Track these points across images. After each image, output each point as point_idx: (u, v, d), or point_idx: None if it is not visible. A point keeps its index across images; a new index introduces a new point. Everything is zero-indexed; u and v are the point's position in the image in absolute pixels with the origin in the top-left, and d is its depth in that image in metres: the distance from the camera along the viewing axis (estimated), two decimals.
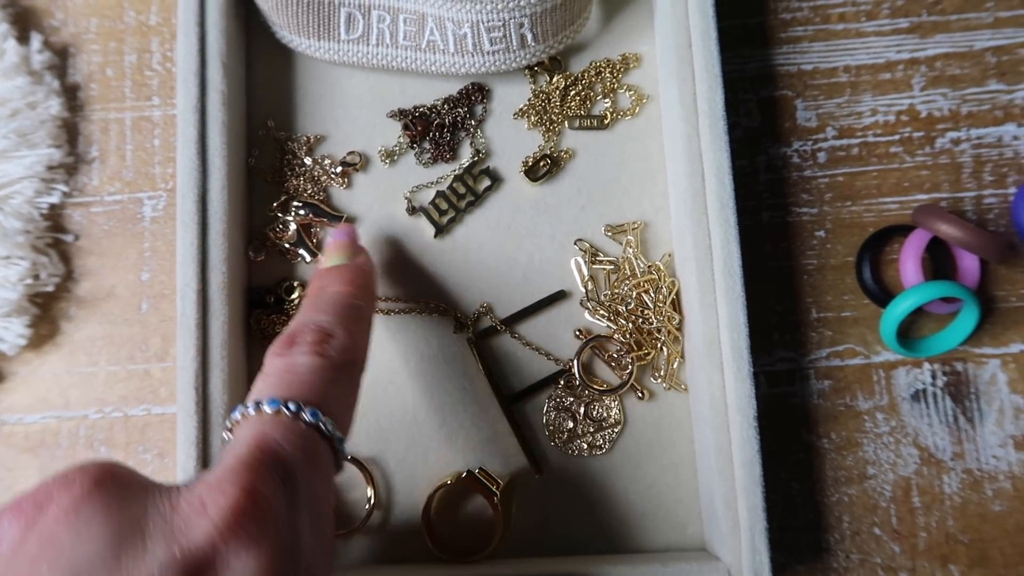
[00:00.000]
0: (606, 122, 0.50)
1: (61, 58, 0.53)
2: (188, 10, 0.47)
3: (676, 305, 0.47)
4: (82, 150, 0.52)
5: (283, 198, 0.50)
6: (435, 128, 0.50)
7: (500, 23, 0.45)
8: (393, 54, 0.49)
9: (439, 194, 0.50)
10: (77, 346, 0.50)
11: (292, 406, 0.32)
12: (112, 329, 0.50)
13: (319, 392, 0.34)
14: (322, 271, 0.42)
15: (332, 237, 0.44)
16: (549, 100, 0.50)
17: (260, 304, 0.48)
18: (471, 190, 0.50)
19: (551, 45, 0.48)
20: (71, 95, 0.53)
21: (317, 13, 0.48)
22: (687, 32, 0.46)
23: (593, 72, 0.50)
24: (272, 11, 0.48)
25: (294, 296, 0.48)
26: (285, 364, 0.35)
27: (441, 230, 0.49)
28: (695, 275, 0.44)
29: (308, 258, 0.49)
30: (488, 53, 0.47)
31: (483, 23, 0.45)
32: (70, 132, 0.52)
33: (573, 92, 0.50)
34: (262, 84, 0.51)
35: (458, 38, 0.47)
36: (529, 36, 0.47)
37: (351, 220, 0.50)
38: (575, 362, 0.47)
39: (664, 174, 0.49)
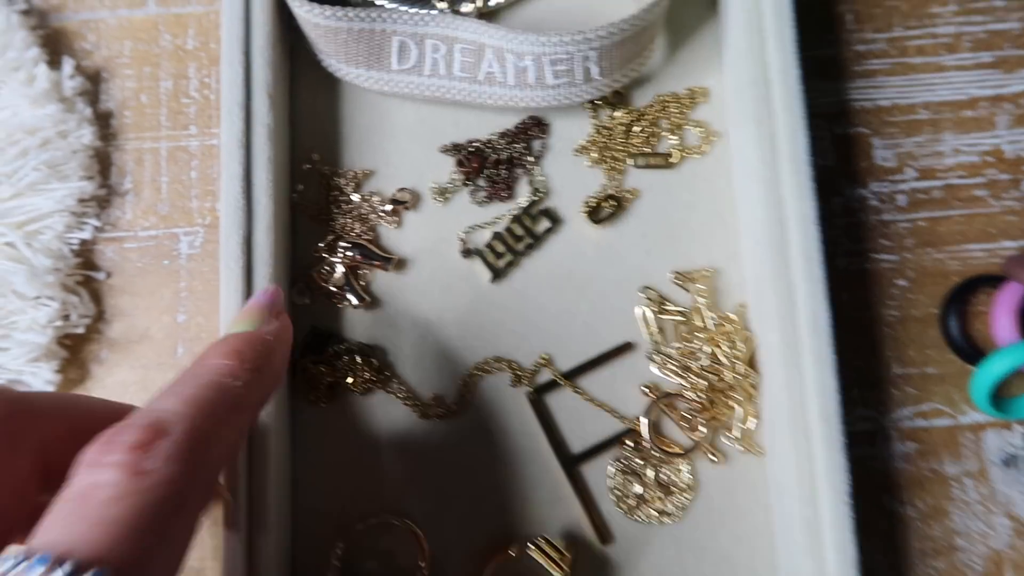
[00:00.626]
0: (672, 160, 0.47)
1: (93, 84, 0.50)
2: (232, 38, 0.44)
3: (752, 362, 0.44)
4: (115, 182, 0.49)
5: (329, 238, 0.47)
6: (491, 164, 0.47)
7: (566, 56, 0.42)
8: (447, 85, 0.46)
9: (495, 236, 0.47)
10: (108, 391, 0.47)
11: (67, 568, 0.22)
12: (145, 374, 0.47)
13: (116, 539, 0.23)
14: (216, 342, 0.34)
15: (253, 297, 0.39)
16: (612, 136, 0.47)
17: (308, 350, 0.45)
18: (529, 232, 0.47)
19: (616, 79, 0.45)
20: (104, 123, 0.50)
21: (368, 42, 0.45)
22: (762, 67, 0.43)
23: (658, 107, 0.47)
24: (320, 39, 0.45)
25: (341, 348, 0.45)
26: (83, 486, 0.25)
27: (498, 274, 0.46)
28: (777, 331, 0.40)
29: (355, 302, 0.46)
30: (550, 87, 0.44)
31: (547, 56, 0.43)
32: (102, 163, 0.49)
33: (637, 128, 0.47)
34: (307, 115, 0.48)
35: (519, 70, 0.44)
36: (595, 69, 0.44)
37: (402, 263, 0.47)
38: (643, 421, 0.44)
39: (735, 217, 0.46)
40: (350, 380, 0.45)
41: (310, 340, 0.46)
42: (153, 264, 0.48)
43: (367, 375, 0.45)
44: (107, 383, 0.47)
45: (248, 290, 0.42)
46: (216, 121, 0.50)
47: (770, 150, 0.42)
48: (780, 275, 0.41)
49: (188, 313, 0.47)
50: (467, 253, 0.47)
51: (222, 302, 0.42)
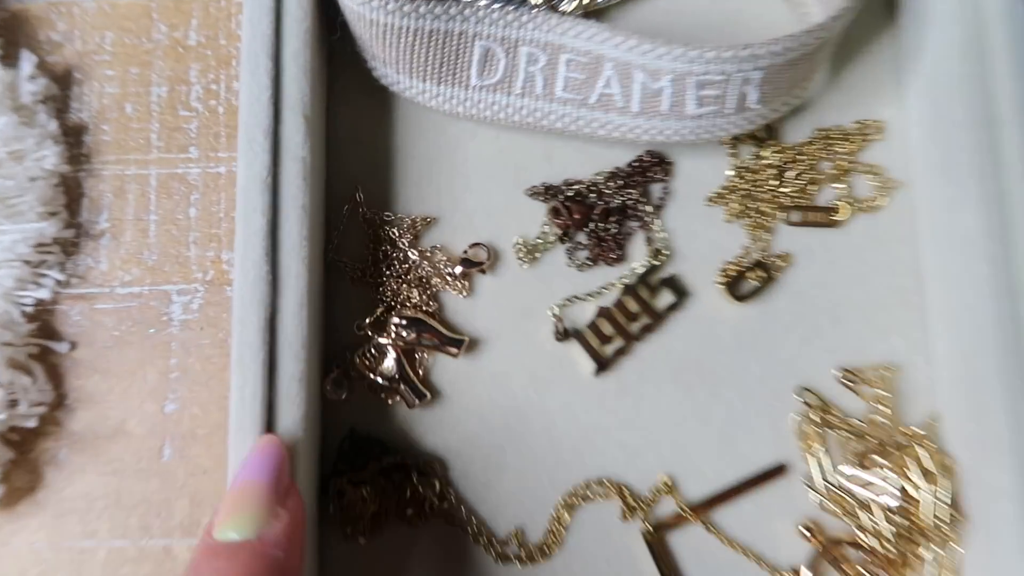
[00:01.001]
0: (838, 217, 0.36)
1: (62, 87, 0.38)
2: (257, 37, 0.31)
3: (957, 500, 0.33)
4: (86, 220, 0.37)
5: (378, 311, 0.35)
6: (596, 215, 0.36)
7: (720, 77, 0.31)
8: (545, 109, 0.34)
9: (601, 312, 0.35)
10: (68, 507, 0.34)
11: None
12: (120, 483, 0.35)
13: None
14: (205, 553, 0.26)
15: (239, 473, 0.28)
16: (758, 181, 0.36)
17: (344, 462, 0.34)
18: (647, 308, 0.35)
19: (776, 108, 0.34)
20: (74, 141, 0.37)
21: (441, 47, 0.33)
22: (985, 100, 0.31)
23: (819, 145, 0.36)
24: (375, 41, 0.33)
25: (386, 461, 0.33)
26: None
27: (604, 365, 0.35)
28: (1007, 470, 0.30)
29: (411, 399, 0.34)
30: (690, 117, 0.33)
31: (694, 76, 0.31)
32: (70, 194, 0.37)
33: (792, 172, 0.36)
34: (348, 141, 0.36)
35: (649, 94, 0.32)
36: (753, 96, 0.32)
37: (474, 345, 0.35)
38: (804, 575, 0.33)
39: (922, 296, 0.35)
40: (402, 508, 0.33)
41: (347, 449, 0.34)
42: (134, 333, 0.36)
43: (423, 500, 0.34)
44: (66, 494, 0.35)
45: (270, 391, 0.30)
46: (225, 142, 0.37)
47: (998, 217, 0.31)
48: (1015, 390, 0.30)
49: (180, 401, 0.35)
50: (563, 335, 0.35)
51: (233, 399, 0.30)
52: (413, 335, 0.34)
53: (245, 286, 0.30)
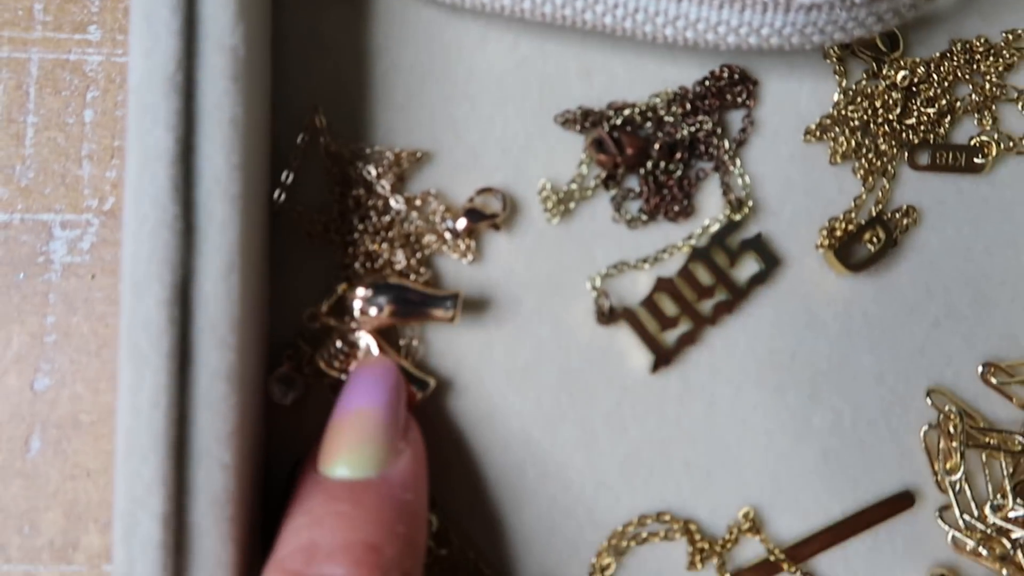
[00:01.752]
0: (981, 160, 0.27)
1: None
2: None
3: None
4: None
5: (339, 288, 0.25)
6: (658, 153, 0.27)
7: None
8: None
9: (662, 286, 0.26)
10: None
11: None
12: None
13: None
14: (317, 493, 0.21)
15: (345, 401, 0.22)
16: (874, 110, 0.27)
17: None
18: (723, 279, 0.26)
19: (918, 1, 0.25)
20: None
21: None
22: None
23: (956, 61, 0.27)
24: None
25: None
26: None
27: (664, 357, 0.26)
28: None
29: (418, 394, 0.24)
30: (800, 8, 0.23)
31: None
32: None
33: (921, 98, 0.27)
34: (305, 42, 0.26)
35: None
36: None
37: (480, 319, 0.25)
38: None
39: None
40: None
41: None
42: None
43: None
44: None
45: (180, 397, 0.20)
46: None
47: None
48: None
49: (57, 375, 0.25)
50: (608, 316, 0.26)
51: (121, 405, 0.19)
52: (387, 308, 0.24)
53: (141, 236, 0.19)
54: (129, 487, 0.19)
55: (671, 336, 0.25)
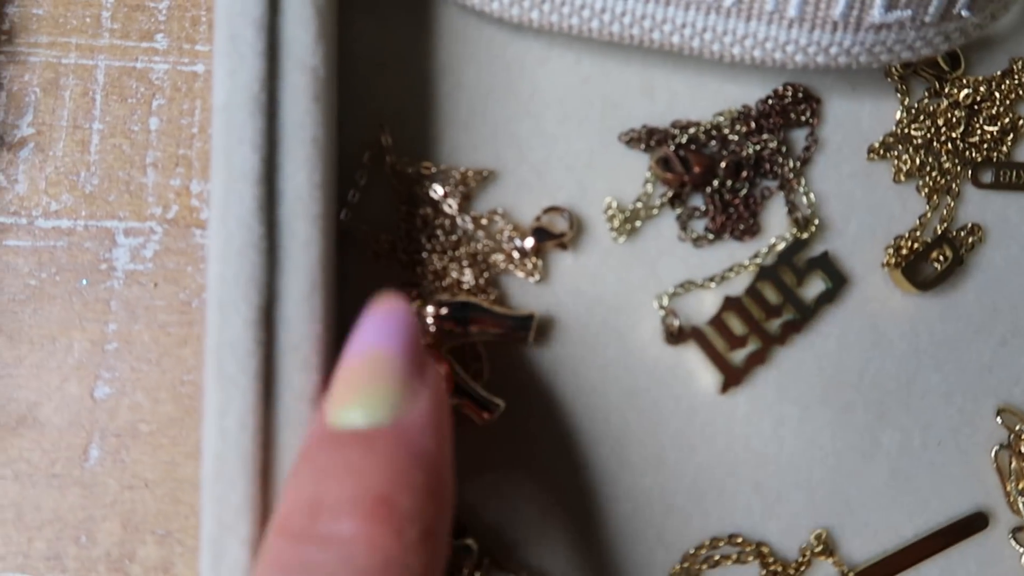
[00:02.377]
0: None
1: None
2: None
3: None
4: (2, 122, 0.26)
5: (413, 294, 0.25)
6: (724, 171, 0.27)
7: None
8: (657, 15, 0.24)
9: (730, 305, 0.25)
10: None
11: None
12: (23, 493, 0.24)
13: None
14: (322, 444, 0.18)
15: (356, 341, 0.20)
16: (938, 128, 0.27)
17: None
18: (791, 298, 0.26)
19: (983, 20, 0.25)
20: None
21: None
22: None
23: (1017, 81, 0.27)
24: None
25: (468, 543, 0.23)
26: None
27: (734, 378, 0.25)
28: None
29: (484, 416, 0.24)
30: (871, 28, 0.23)
31: None
32: None
33: (984, 116, 0.27)
34: (370, 62, 0.25)
35: None
36: None
37: (547, 344, 0.25)
38: None
39: None
40: None
41: None
42: (59, 284, 0.25)
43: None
44: None
45: (266, 419, 0.20)
46: (207, 31, 0.26)
47: None
48: None
49: (118, 383, 0.25)
50: (676, 336, 0.26)
51: (207, 430, 0.19)
52: (461, 326, 0.24)
53: (228, 256, 0.19)
54: (217, 512, 0.18)
55: (740, 355, 0.25)
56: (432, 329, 0.24)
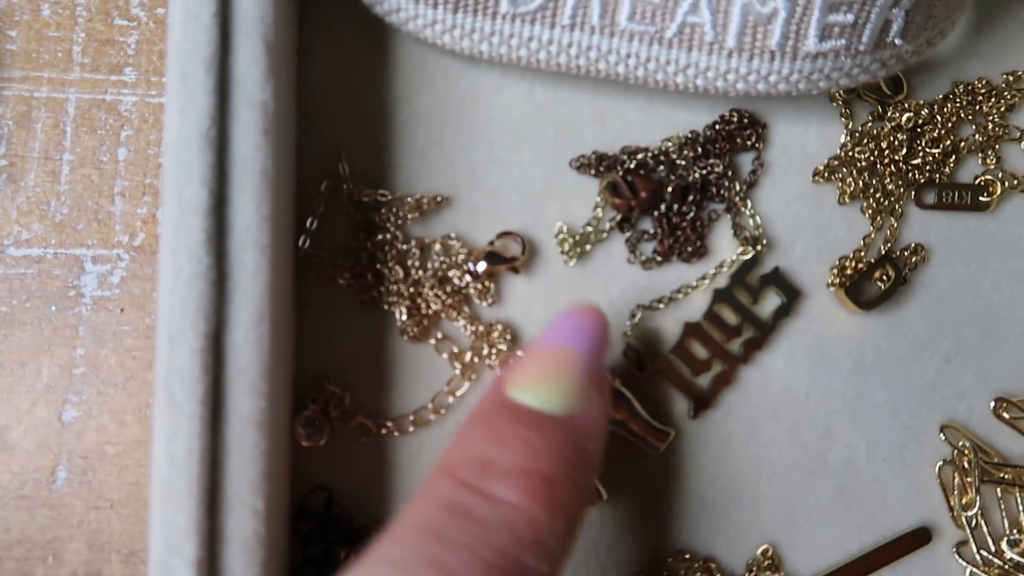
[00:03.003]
0: (987, 198, 0.27)
1: None
2: None
3: None
4: None
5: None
6: (671, 195, 0.27)
7: None
8: (602, 47, 0.25)
9: (691, 329, 0.26)
10: None
11: None
12: None
13: None
14: (503, 412, 0.20)
15: (547, 335, 0.22)
16: (881, 151, 0.28)
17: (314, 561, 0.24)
18: (750, 316, 0.26)
19: (918, 48, 0.25)
20: None
21: None
22: None
23: (959, 103, 0.28)
24: None
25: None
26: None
27: (703, 403, 0.26)
28: None
29: (658, 448, 0.24)
30: (807, 57, 0.24)
31: None
32: None
33: (926, 138, 0.28)
34: (328, 92, 0.26)
35: (753, 23, 0.24)
36: (898, 24, 0.24)
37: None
38: None
39: None
40: None
41: (306, 532, 0.24)
42: (29, 310, 0.26)
43: None
44: None
45: (213, 444, 0.21)
46: None
47: None
48: None
49: (85, 407, 0.26)
50: (640, 366, 0.26)
51: (156, 452, 0.20)
52: (611, 415, 0.24)
53: (176, 287, 0.20)
54: (164, 534, 0.19)
55: (708, 378, 0.25)
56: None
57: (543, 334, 0.22)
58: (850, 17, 0.23)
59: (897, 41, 0.24)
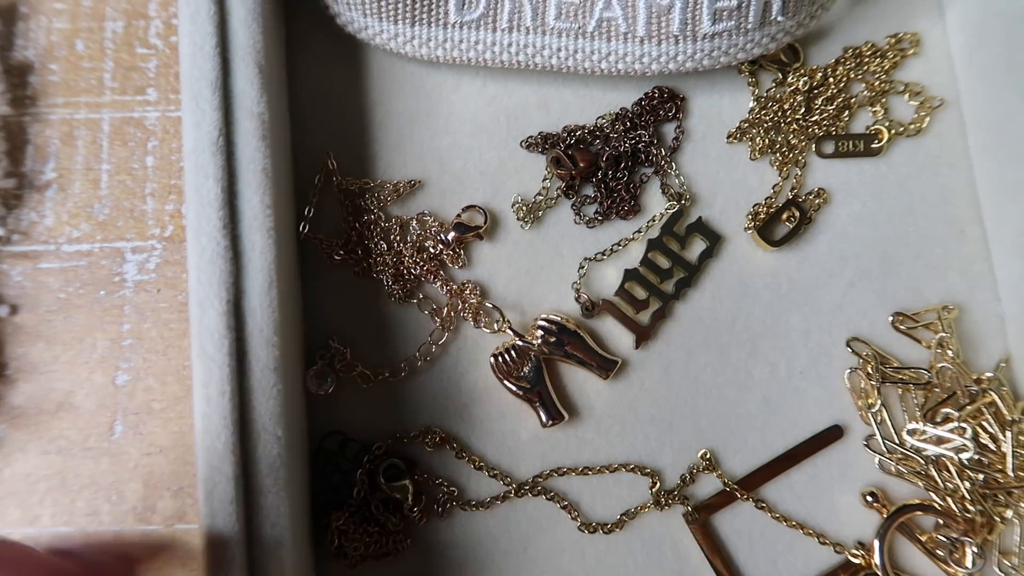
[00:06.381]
0: (877, 144, 0.32)
1: (5, 23, 0.33)
2: None
3: None
4: (30, 169, 0.33)
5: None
6: (605, 163, 0.32)
7: None
8: (536, 43, 0.30)
9: (631, 274, 0.31)
10: (6, 490, 0.30)
11: None
12: (64, 464, 0.30)
13: None
14: None
15: None
16: (783, 112, 0.32)
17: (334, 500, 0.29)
18: (679, 260, 0.31)
19: (801, 21, 0.30)
20: (18, 82, 0.33)
21: None
22: None
23: (849, 65, 0.32)
24: None
25: (405, 483, 0.29)
26: None
27: (646, 336, 0.30)
28: None
29: (548, 422, 0.29)
30: (704, 37, 0.29)
31: None
32: (13, 140, 0.33)
33: (822, 98, 0.32)
34: (313, 101, 0.32)
35: (656, 13, 0.28)
36: (777, 5, 0.28)
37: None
38: (876, 549, 0.29)
39: (982, 224, 0.31)
40: (413, 509, 0.29)
41: (324, 465, 0.29)
42: (83, 295, 0.32)
43: (436, 498, 0.30)
44: (5, 475, 0.30)
45: (240, 385, 0.26)
46: None
47: None
48: None
49: (133, 372, 0.31)
50: (589, 308, 0.31)
51: (196, 396, 0.25)
52: (561, 347, 0.29)
53: (202, 265, 0.25)
54: (207, 458, 0.24)
55: (648, 315, 0.30)
56: (540, 337, 0.29)
57: None
58: (735, 1, 0.27)
59: (780, 18, 0.28)
